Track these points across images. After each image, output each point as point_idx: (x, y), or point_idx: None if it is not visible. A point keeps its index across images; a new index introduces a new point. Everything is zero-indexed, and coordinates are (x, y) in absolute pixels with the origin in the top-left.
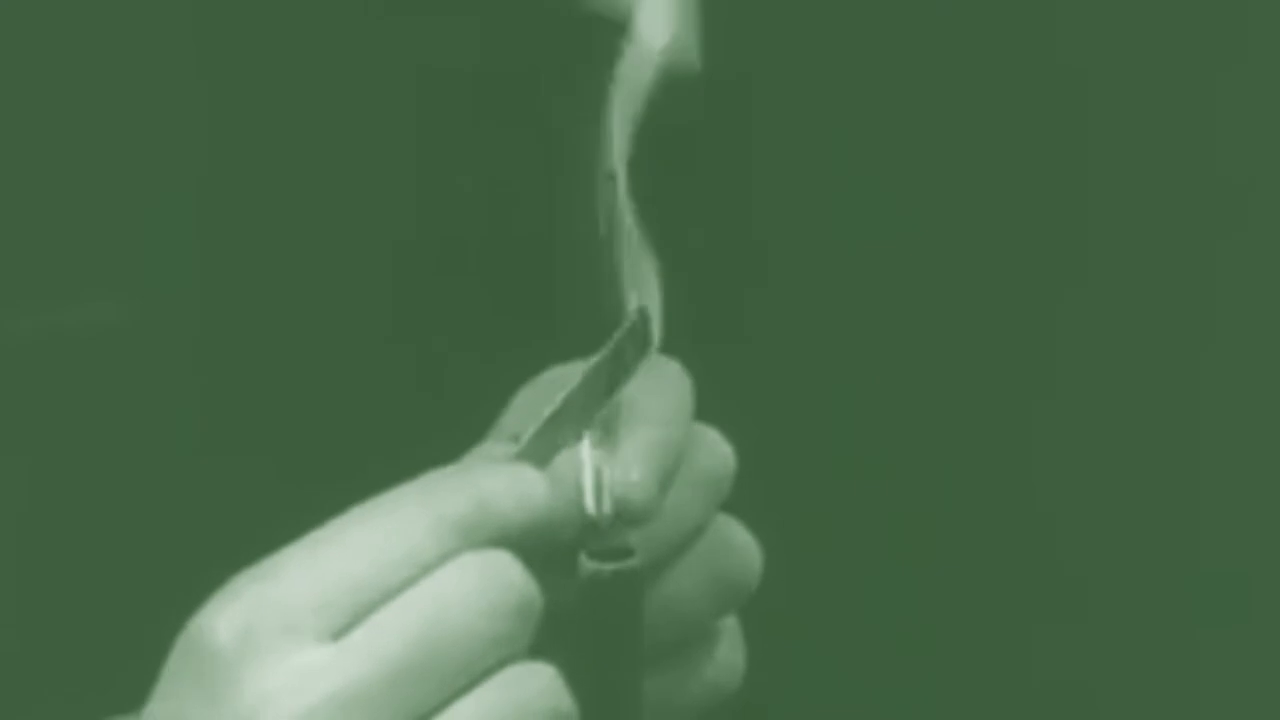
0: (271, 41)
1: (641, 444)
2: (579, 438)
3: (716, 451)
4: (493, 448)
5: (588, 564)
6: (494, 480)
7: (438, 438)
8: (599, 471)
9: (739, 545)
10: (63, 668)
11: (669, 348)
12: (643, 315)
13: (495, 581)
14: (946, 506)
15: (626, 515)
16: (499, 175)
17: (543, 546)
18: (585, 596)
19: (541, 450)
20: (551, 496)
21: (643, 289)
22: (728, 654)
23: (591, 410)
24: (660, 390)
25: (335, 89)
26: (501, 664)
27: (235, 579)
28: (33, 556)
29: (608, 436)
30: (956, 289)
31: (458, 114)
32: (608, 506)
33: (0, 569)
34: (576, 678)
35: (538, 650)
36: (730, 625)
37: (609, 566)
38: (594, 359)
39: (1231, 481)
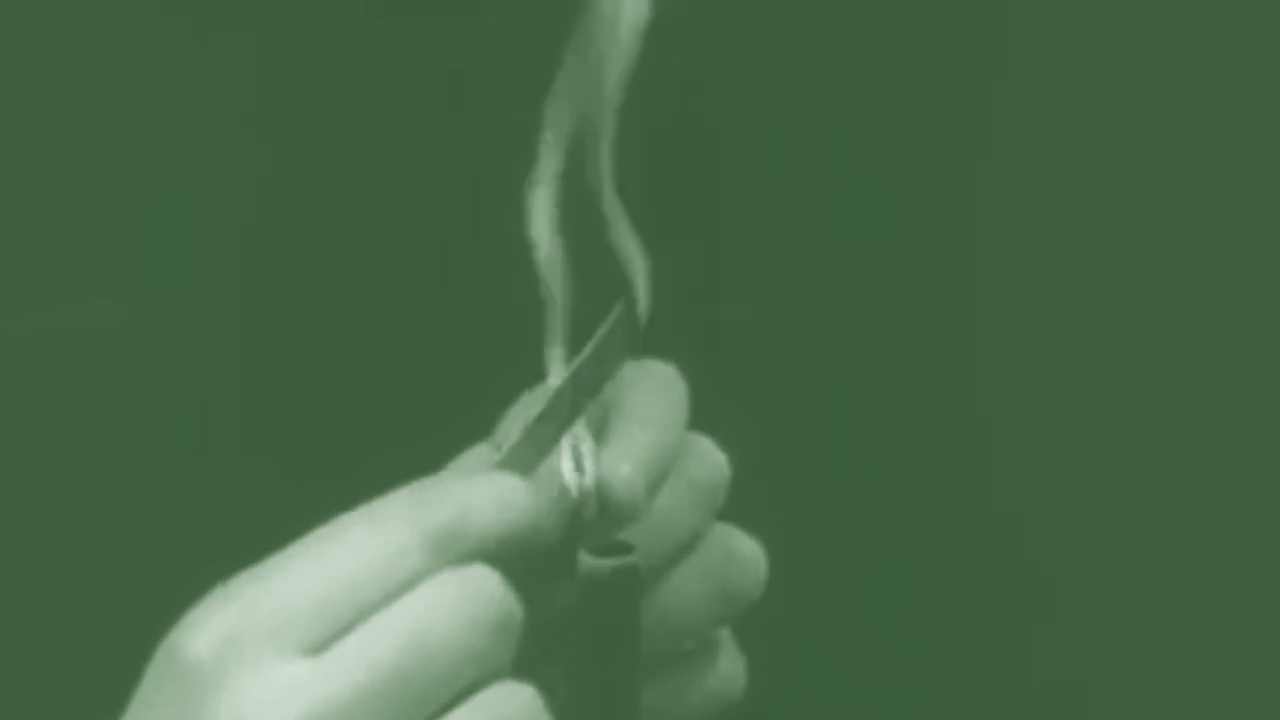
0: (281, 38)
1: (630, 442)
2: (565, 437)
3: (710, 460)
4: (476, 455)
5: (586, 560)
6: (475, 491)
7: (438, 443)
8: (578, 449)
9: (741, 555)
10: (61, 669)
11: (667, 353)
12: (626, 313)
13: (474, 597)
14: (945, 512)
15: (612, 510)
16: (507, 176)
17: (530, 554)
18: (584, 594)
19: (527, 455)
20: (534, 505)
21: (629, 287)
22: (729, 664)
23: (577, 411)
24: (654, 392)
25: (341, 89)
26: (482, 681)
27: (214, 591)
28: (32, 557)
29: (599, 437)
30: (952, 293)
31: (437, 112)
32: (593, 501)
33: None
34: (575, 678)
35: (536, 657)
36: (726, 635)
37: (607, 563)
38: (576, 361)
39: (1224, 481)
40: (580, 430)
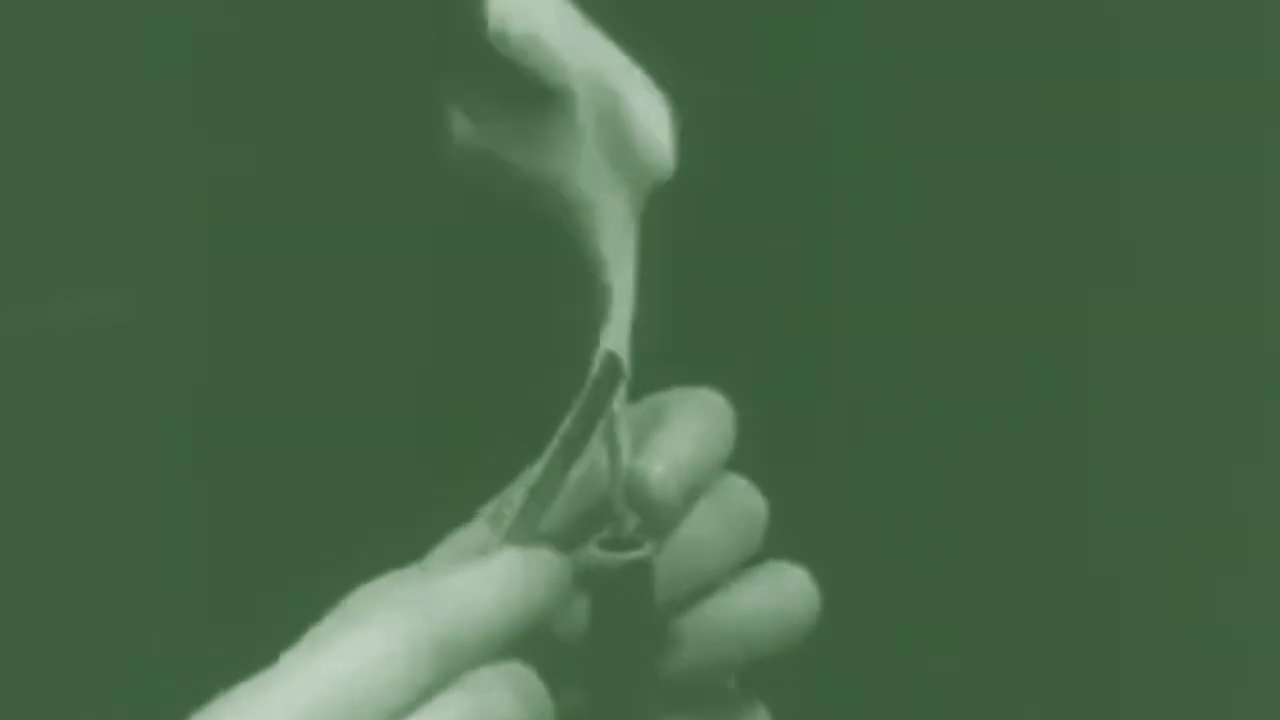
0: (281, 40)
1: (666, 447)
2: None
3: (748, 493)
4: (473, 534)
5: (597, 554)
6: (471, 585)
7: (451, 488)
8: (613, 445)
9: (792, 584)
10: (54, 671)
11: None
12: (610, 359)
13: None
14: (967, 548)
15: (642, 507)
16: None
17: (541, 622)
18: (594, 589)
19: (528, 524)
20: (543, 582)
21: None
22: (766, 714)
23: (569, 466)
24: (696, 413)
25: (348, 94)
26: None
27: (209, 708)
28: (28, 557)
29: (638, 449)
30: (980, 316)
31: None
32: (622, 499)
33: None
34: (586, 681)
35: (555, 679)
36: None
37: (619, 556)
38: (565, 422)
39: (1243, 488)
40: (618, 428)
